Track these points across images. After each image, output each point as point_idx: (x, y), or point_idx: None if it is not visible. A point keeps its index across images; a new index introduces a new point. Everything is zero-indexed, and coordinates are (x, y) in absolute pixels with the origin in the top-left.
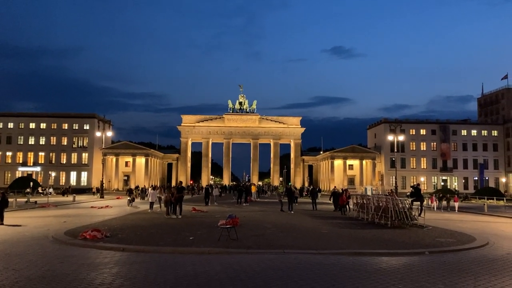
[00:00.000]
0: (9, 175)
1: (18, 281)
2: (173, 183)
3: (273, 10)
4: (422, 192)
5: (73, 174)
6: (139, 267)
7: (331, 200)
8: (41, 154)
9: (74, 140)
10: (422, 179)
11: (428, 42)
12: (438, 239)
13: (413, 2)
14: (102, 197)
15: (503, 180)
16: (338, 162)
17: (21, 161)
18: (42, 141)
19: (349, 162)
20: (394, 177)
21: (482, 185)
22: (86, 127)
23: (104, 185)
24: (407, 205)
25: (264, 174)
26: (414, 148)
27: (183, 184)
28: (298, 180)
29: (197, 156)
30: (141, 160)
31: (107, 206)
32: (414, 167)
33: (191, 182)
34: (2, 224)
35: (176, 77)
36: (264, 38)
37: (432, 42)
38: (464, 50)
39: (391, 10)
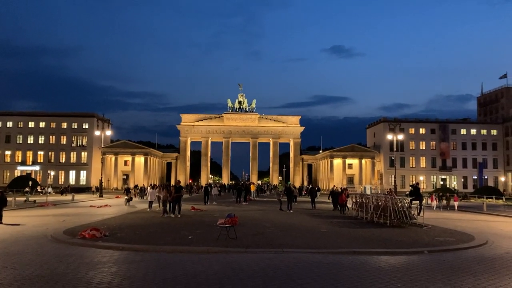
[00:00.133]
0: (8, 174)
1: (17, 280)
2: (173, 182)
3: (272, 9)
4: (421, 191)
5: (72, 173)
6: (138, 266)
7: (330, 199)
8: (40, 153)
9: (73, 139)
10: (421, 178)
11: (427, 41)
12: (437, 238)
13: (413, 2)
14: (101, 196)
15: (502, 179)
16: (337, 161)
17: (20, 160)
18: (41, 140)
19: (348, 161)
20: (393, 176)
21: (481, 184)
22: (85, 126)
23: (103, 184)
24: (406, 204)
25: (263, 173)
26: (414, 147)
27: (182, 183)
28: (298, 179)
29: (196, 155)
30: (140, 159)
31: (106, 205)
32: (413, 166)
33: (190, 181)
34: (1, 223)
35: (175, 76)
36: (264, 37)
37: (432, 42)
38: (464, 49)
39: (391, 9)
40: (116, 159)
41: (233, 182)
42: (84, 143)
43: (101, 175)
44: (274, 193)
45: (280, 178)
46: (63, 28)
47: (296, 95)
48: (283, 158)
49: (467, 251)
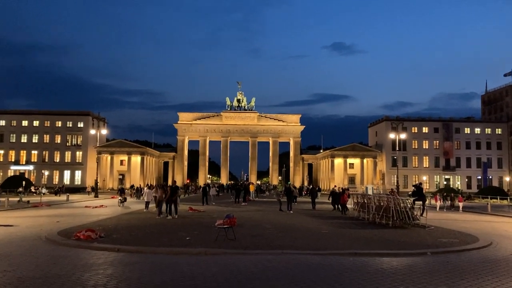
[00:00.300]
0: (1, 174)
1: (10, 283)
2: (170, 183)
3: (272, 5)
4: (424, 191)
5: (67, 173)
6: (134, 268)
7: (330, 200)
8: (34, 152)
9: (68, 138)
10: (424, 178)
11: (430, 38)
12: (440, 239)
13: None
14: (96, 196)
15: (507, 179)
16: (338, 161)
17: (13, 160)
18: (35, 139)
19: (349, 160)
20: (395, 176)
21: (486, 184)
22: (80, 125)
23: (98, 184)
24: (408, 205)
25: (262, 173)
26: (416, 147)
27: (179, 183)
28: (298, 179)
29: (194, 155)
30: (136, 159)
31: (102, 205)
32: (416, 165)
33: (188, 181)
34: None
35: (172, 74)
36: (263, 34)
37: (435, 39)
38: (468, 47)
39: (393, 5)
40: (111, 159)
41: (232, 182)
42: (79, 142)
43: (97, 175)
44: (274, 194)
45: (279, 178)
46: (57, 25)
47: (296, 93)
48: (283, 158)
49: (471, 253)
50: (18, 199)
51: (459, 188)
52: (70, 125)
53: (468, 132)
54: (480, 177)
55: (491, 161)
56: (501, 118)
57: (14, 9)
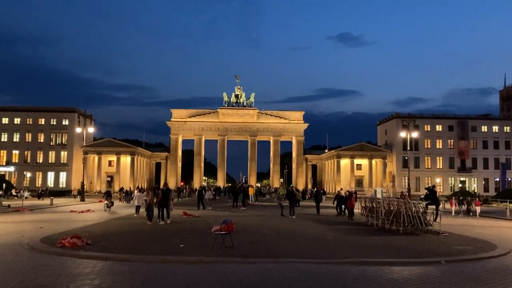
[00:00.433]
0: None
1: None
2: (162, 185)
3: None
4: (437, 194)
5: (51, 175)
6: (123, 278)
7: (335, 204)
8: (15, 152)
9: (52, 136)
10: (438, 180)
11: (445, 28)
12: (455, 247)
13: None
14: (82, 200)
15: None
16: (344, 162)
17: None
18: (16, 138)
19: (357, 161)
20: (406, 178)
21: (504, 187)
22: (65, 122)
23: (85, 187)
24: (421, 209)
25: (263, 175)
26: (429, 146)
27: (172, 186)
28: (301, 181)
29: (188, 155)
30: (126, 159)
31: (88, 210)
32: (429, 167)
33: (182, 183)
34: None
35: (165, 68)
36: (263, 24)
37: (450, 29)
38: (485, 38)
39: None
40: (99, 159)
41: (230, 184)
42: (64, 141)
43: (83, 176)
44: (275, 197)
45: (281, 180)
46: (40, 14)
47: (299, 88)
48: (285, 158)
49: (488, 261)
50: None
51: (476, 191)
52: (54, 123)
53: (485, 130)
54: (498, 179)
55: (510, 161)
56: None
57: None
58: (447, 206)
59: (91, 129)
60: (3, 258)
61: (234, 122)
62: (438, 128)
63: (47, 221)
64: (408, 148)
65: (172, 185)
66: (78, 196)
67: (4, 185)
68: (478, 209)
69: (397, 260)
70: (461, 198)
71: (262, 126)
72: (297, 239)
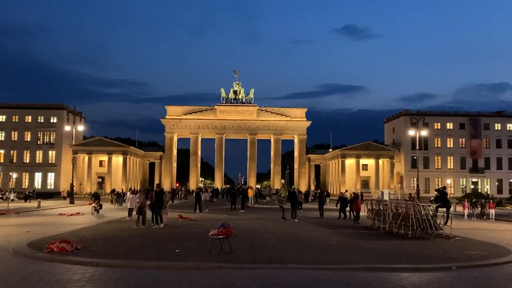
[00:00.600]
0: None
1: None
2: (155, 186)
3: None
4: (448, 196)
5: (38, 176)
6: (115, 285)
7: (338, 206)
8: (0, 151)
9: (39, 135)
10: (449, 181)
11: (456, 20)
12: (467, 252)
13: None
14: (72, 202)
15: None
16: (350, 162)
17: None
18: (1, 136)
19: (363, 161)
20: (415, 179)
21: None
22: (53, 120)
23: (74, 188)
24: (431, 212)
25: (263, 176)
26: (439, 145)
27: (167, 188)
28: (303, 182)
29: (184, 155)
30: (118, 159)
31: (78, 213)
32: (439, 167)
33: (177, 184)
34: None
35: (159, 62)
36: (263, 15)
37: (461, 21)
38: (499, 30)
39: None
40: (89, 159)
41: (228, 186)
42: (52, 140)
43: (72, 177)
44: (276, 199)
45: (282, 181)
46: (24, 4)
47: (302, 84)
48: (286, 158)
49: (502, 267)
50: None
51: (488, 192)
52: (42, 121)
53: (499, 128)
54: None
55: None
56: None
57: None
58: (459, 208)
59: (80, 127)
60: None
61: (233, 119)
62: (449, 126)
63: (34, 225)
64: (417, 147)
65: (167, 186)
66: (68, 198)
67: None
68: (492, 211)
69: (405, 266)
70: (474, 200)
71: (262, 124)
72: (300, 243)
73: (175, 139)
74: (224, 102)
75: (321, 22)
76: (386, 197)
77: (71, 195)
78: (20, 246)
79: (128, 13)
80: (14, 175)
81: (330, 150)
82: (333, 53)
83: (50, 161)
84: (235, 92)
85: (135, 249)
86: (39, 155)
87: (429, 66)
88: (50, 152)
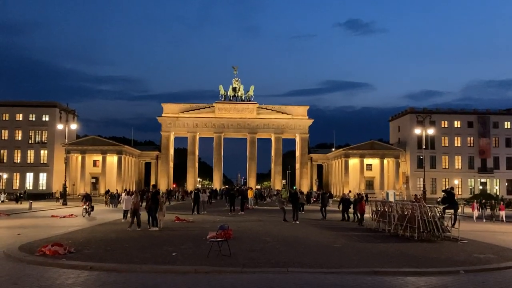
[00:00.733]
0: None
1: None
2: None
3: None
4: (456, 197)
5: (30, 176)
6: None
7: (340, 208)
8: None
9: (30, 134)
10: (456, 181)
11: (464, 15)
12: (475, 255)
13: None
14: (65, 204)
15: None
16: (353, 161)
17: None
18: None
19: (367, 161)
20: (422, 179)
21: None
22: (45, 118)
23: (67, 189)
24: (438, 214)
25: (263, 176)
26: (447, 144)
27: (164, 188)
28: (305, 183)
29: (181, 154)
30: (112, 159)
31: (71, 215)
32: (447, 167)
33: (174, 185)
34: None
35: (155, 57)
36: (263, 9)
37: (469, 15)
38: (508, 26)
39: None
40: (83, 159)
41: (227, 186)
42: (44, 139)
43: (65, 178)
44: (276, 200)
45: (283, 182)
46: None
47: (303, 80)
48: (288, 158)
49: None
50: None
51: (498, 193)
52: (33, 119)
53: (509, 126)
54: None
55: None
56: None
57: None
58: (467, 210)
59: (74, 126)
60: None
61: (232, 117)
62: (457, 124)
63: (25, 227)
64: (424, 147)
65: (163, 187)
66: (60, 200)
67: None
68: (502, 213)
69: (411, 270)
70: (483, 201)
71: (262, 122)
72: (301, 246)
73: (172, 138)
74: (222, 99)
75: (324, 16)
76: (391, 198)
77: (64, 196)
78: (11, 250)
79: (122, 7)
80: (5, 176)
81: (333, 149)
82: (336, 48)
83: (42, 161)
84: (234, 89)
85: (131, 252)
86: (30, 154)
87: (436, 62)
88: (42, 152)
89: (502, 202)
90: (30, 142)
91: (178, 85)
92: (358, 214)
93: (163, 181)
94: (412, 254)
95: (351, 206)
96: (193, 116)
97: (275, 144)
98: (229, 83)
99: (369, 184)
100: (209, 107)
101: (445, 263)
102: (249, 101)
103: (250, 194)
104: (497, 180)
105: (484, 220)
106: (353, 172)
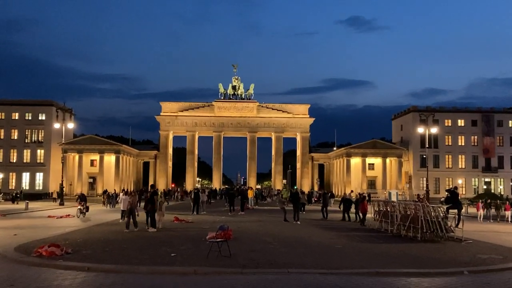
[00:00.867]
0: None
1: None
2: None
3: None
4: (460, 197)
5: (26, 176)
6: None
7: (341, 208)
8: None
9: (26, 133)
10: (460, 181)
11: (467, 12)
12: (479, 256)
13: None
14: (62, 204)
15: None
16: (355, 161)
17: None
18: None
19: (369, 160)
20: (425, 179)
21: None
22: (42, 117)
23: (64, 189)
24: (441, 214)
25: (263, 176)
26: (450, 143)
27: (162, 188)
28: (306, 182)
29: (180, 154)
30: (110, 159)
31: (68, 215)
32: (450, 166)
33: (173, 185)
34: None
35: (153, 55)
36: (264, 5)
37: (473, 12)
38: None
39: None
40: (80, 158)
41: (226, 186)
42: (40, 139)
43: (62, 178)
44: (277, 200)
45: (284, 181)
46: None
47: (304, 78)
48: (288, 157)
49: None
50: None
51: (502, 193)
52: (30, 118)
53: None
54: None
55: None
56: None
57: None
58: (471, 210)
59: (70, 125)
60: None
61: (231, 116)
62: (460, 123)
63: (22, 228)
64: (427, 146)
65: (162, 187)
66: (57, 200)
67: None
68: (508, 213)
69: (415, 271)
70: (489, 201)
71: (262, 121)
72: (302, 247)
73: (171, 137)
74: (222, 98)
75: (325, 13)
76: (393, 198)
77: (60, 197)
78: (7, 250)
79: (120, 4)
80: (0, 176)
81: (335, 148)
82: (338, 46)
83: (38, 161)
84: (234, 88)
85: (129, 253)
86: (26, 154)
87: (439, 60)
88: (38, 151)
89: (507, 202)
90: (26, 141)
91: (177, 84)
92: (360, 214)
93: (162, 181)
94: (415, 254)
95: (352, 206)
96: (192, 114)
97: (275, 143)
98: (228, 81)
99: (371, 183)
100: (209, 106)
101: (448, 264)
102: (249, 99)
103: (250, 194)
104: (502, 180)
105: (491, 220)
106: (355, 172)
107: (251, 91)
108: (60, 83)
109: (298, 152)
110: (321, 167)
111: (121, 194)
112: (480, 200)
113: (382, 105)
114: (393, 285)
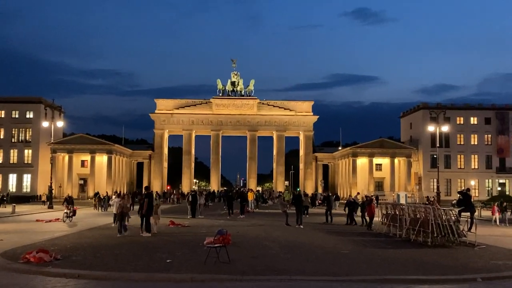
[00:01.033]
0: None
1: None
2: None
3: None
4: (472, 199)
5: (13, 177)
6: None
7: (346, 211)
8: None
9: (13, 132)
10: (473, 182)
11: (480, 4)
12: (494, 262)
13: None
14: (50, 207)
15: None
16: (362, 161)
17: None
18: None
19: (376, 160)
20: (435, 180)
21: None
22: (30, 115)
23: (53, 191)
24: (453, 217)
25: (264, 177)
26: (462, 142)
27: (158, 190)
28: (309, 184)
29: (176, 154)
30: (102, 159)
31: (57, 219)
32: (462, 167)
33: (168, 187)
34: None
35: (147, 49)
36: None
37: (486, 5)
38: None
39: None
40: (70, 159)
41: (225, 188)
42: (28, 138)
43: (51, 179)
44: (279, 203)
45: (286, 183)
46: None
47: (308, 74)
48: (291, 157)
49: None
50: None
51: None
52: (16, 116)
53: None
54: None
55: None
56: None
57: None
58: (484, 213)
59: (60, 123)
60: None
61: (230, 114)
62: (473, 120)
63: (8, 232)
64: (437, 145)
65: (157, 189)
66: (46, 203)
67: None
68: None
69: (425, 278)
70: (504, 204)
71: (263, 119)
72: (306, 252)
73: (166, 136)
74: (220, 94)
75: (329, 5)
76: (402, 201)
77: (49, 199)
78: None
79: None
80: None
81: (340, 148)
82: (343, 39)
83: (26, 161)
84: (233, 84)
85: (122, 259)
86: (13, 154)
87: (451, 54)
88: (26, 151)
89: None
90: (13, 140)
91: (172, 79)
92: (367, 218)
93: (157, 183)
94: (426, 260)
95: (358, 209)
96: (189, 112)
97: (277, 142)
98: (227, 77)
99: (379, 185)
100: (206, 103)
101: (461, 271)
102: (249, 96)
103: (251, 196)
104: None
105: (507, 224)
106: (361, 173)
107: (251, 87)
108: (48, 79)
109: (301, 152)
110: (325, 167)
111: (113, 196)
112: (496, 203)
113: (390, 102)
114: None
